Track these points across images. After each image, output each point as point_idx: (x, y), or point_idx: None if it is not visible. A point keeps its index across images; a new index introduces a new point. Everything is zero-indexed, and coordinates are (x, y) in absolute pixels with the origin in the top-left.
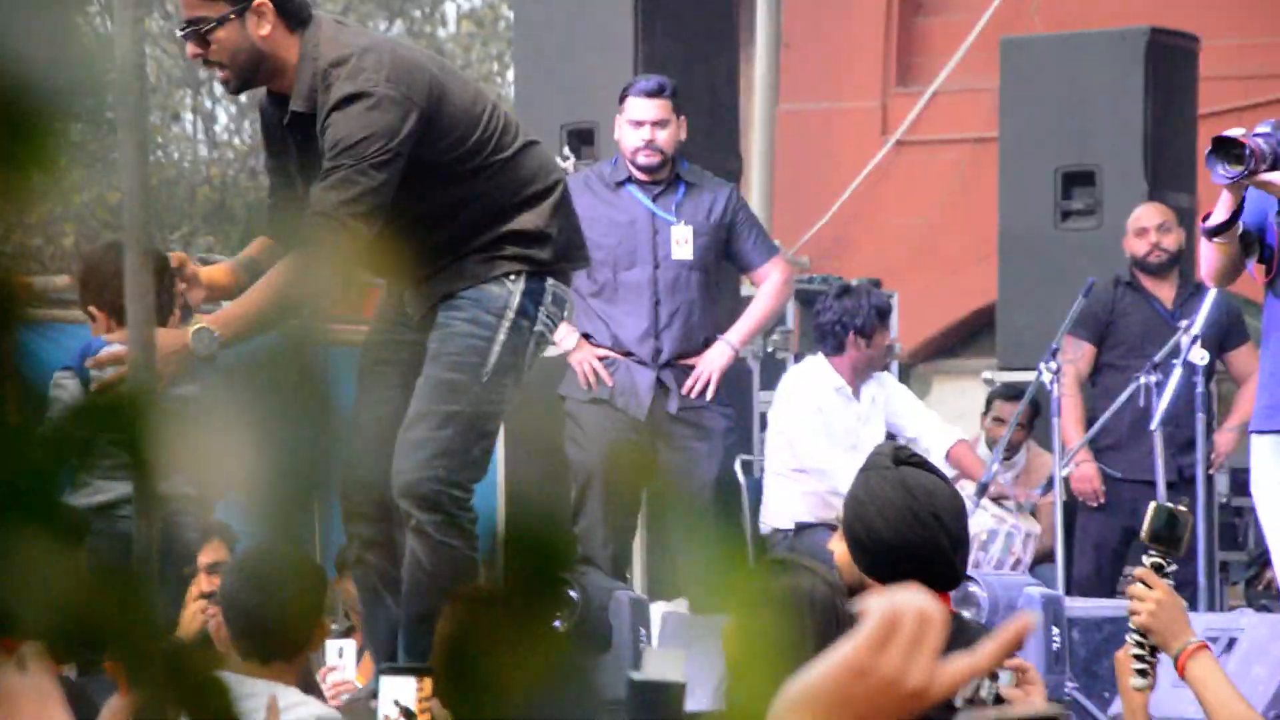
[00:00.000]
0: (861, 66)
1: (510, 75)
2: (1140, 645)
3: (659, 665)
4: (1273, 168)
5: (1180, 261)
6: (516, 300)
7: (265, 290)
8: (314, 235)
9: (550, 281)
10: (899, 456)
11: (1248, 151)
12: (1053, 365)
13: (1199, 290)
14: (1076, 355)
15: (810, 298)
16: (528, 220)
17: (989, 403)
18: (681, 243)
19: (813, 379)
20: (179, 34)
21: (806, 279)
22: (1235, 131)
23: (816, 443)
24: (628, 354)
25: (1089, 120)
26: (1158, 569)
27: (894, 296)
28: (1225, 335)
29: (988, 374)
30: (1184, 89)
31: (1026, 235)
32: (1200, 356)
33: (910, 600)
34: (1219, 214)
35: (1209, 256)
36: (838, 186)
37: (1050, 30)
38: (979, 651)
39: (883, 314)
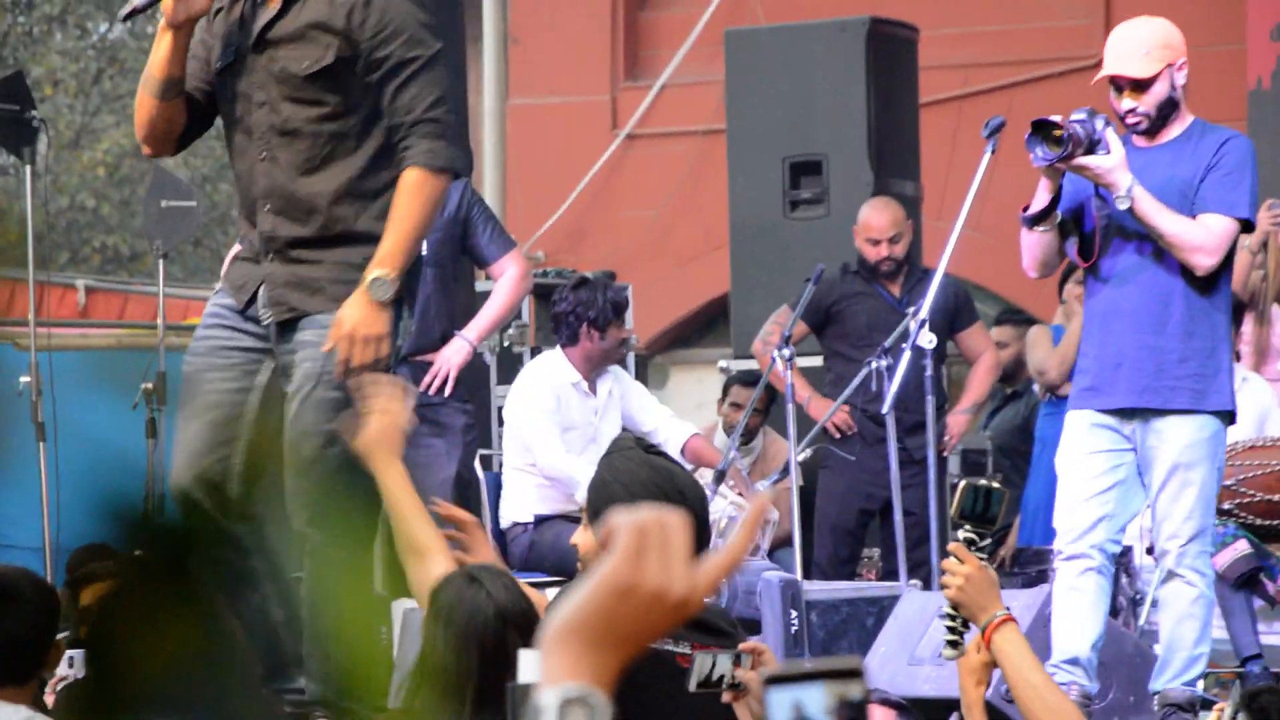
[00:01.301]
0: (590, 61)
1: None
2: (951, 618)
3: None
4: (1088, 152)
5: (905, 265)
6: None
7: (407, 216)
8: (421, 144)
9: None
10: (643, 444)
11: (1066, 135)
12: (785, 352)
13: (925, 276)
14: (785, 322)
15: (546, 291)
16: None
17: (726, 389)
18: None
19: (548, 373)
20: None
21: (542, 273)
22: (1053, 117)
23: (555, 449)
24: None
25: (814, 110)
26: (969, 544)
27: (629, 289)
28: (954, 317)
29: (723, 363)
30: (905, 78)
31: (757, 225)
32: (928, 340)
33: (649, 512)
34: (1039, 201)
35: (1030, 246)
36: (571, 180)
37: (773, 21)
38: (727, 545)
39: (618, 307)
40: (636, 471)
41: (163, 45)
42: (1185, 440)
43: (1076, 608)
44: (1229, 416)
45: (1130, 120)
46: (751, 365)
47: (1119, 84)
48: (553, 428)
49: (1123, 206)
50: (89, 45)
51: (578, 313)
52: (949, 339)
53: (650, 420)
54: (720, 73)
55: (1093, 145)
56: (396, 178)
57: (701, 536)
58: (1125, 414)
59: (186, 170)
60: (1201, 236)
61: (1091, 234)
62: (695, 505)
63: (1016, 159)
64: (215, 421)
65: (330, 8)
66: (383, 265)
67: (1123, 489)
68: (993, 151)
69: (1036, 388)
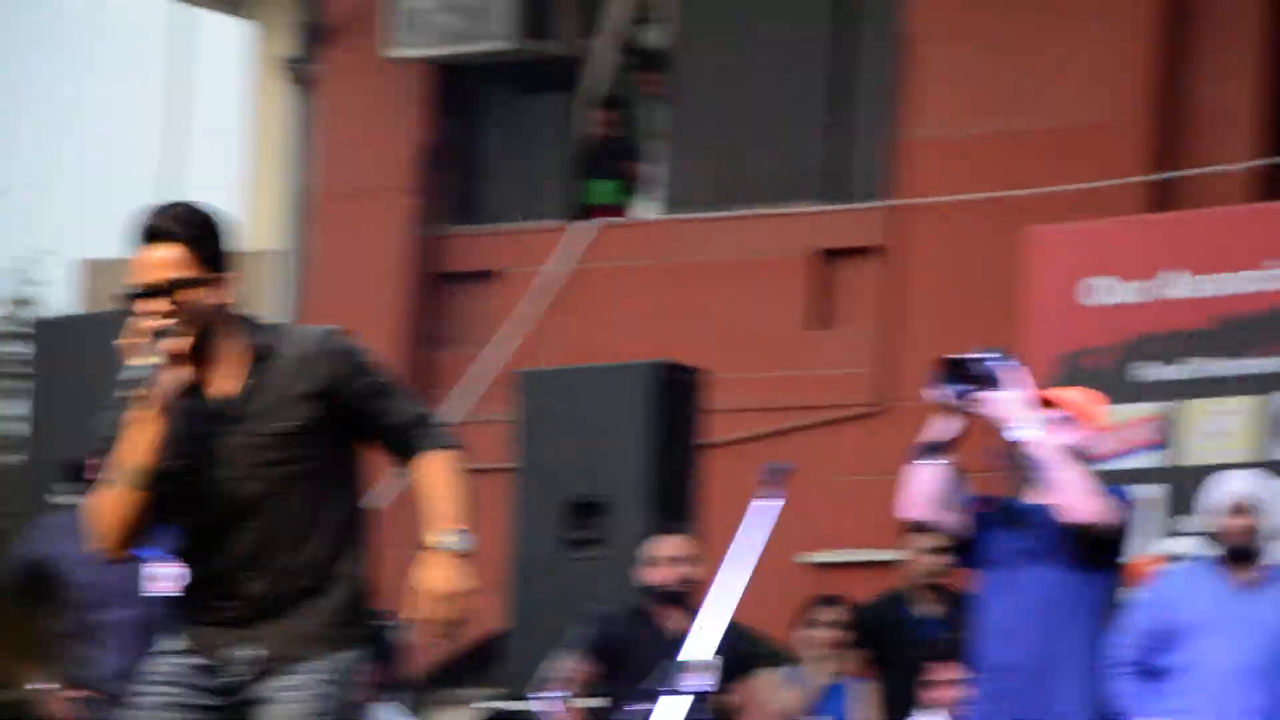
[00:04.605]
0: None
1: None
2: None
3: None
4: (990, 389)
5: (695, 593)
6: (355, 663)
7: (452, 483)
8: (431, 431)
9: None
10: None
11: (972, 374)
12: (558, 694)
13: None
14: (578, 670)
15: None
16: (362, 567)
17: None
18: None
19: None
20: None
21: None
22: (959, 355)
23: None
24: None
25: (598, 452)
26: None
27: (400, 625)
28: (738, 667)
29: (494, 703)
30: (688, 421)
31: (536, 564)
32: (705, 684)
33: None
34: (938, 434)
35: (918, 480)
36: None
37: (560, 363)
38: None
39: None
40: None
41: (143, 431)
42: None
43: None
44: None
45: None
46: (525, 707)
47: None
48: None
49: (1026, 439)
50: None
51: None
52: (729, 684)
53: None
54: (504, 412)
55: (994, 383)
56: (367, 532)
57: None
58: None
59: None
60: (1089, 488)
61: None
62: None
63: (791, 502)
64: None
65: (301, 373)
66: (451, 523)
67: None
68: (776, 497)
69: None
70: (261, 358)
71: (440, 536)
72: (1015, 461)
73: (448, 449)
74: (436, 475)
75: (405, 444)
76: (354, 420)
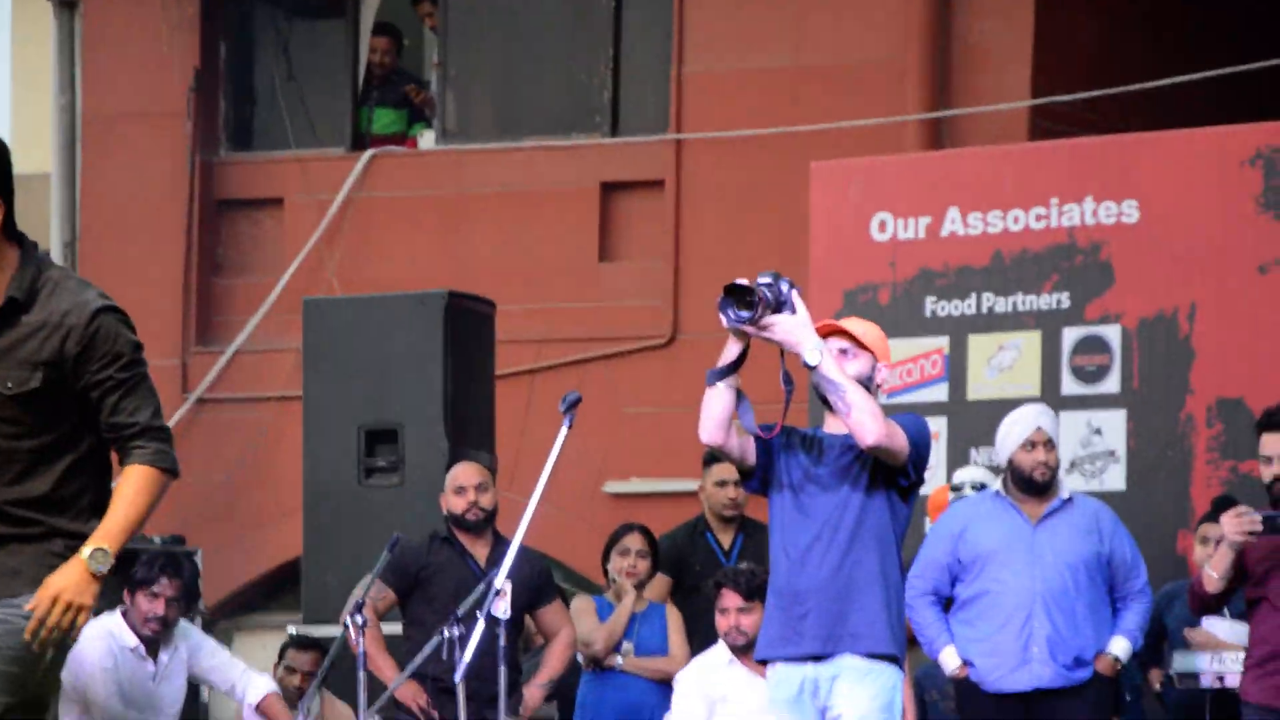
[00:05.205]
0: (160, 325)
1: None
2: None
3: None
4: (775, 312)
5: (493, 520)
6: None
7: (133, 503)
8: (150, 445)
9: None
10: None
11: (756, 299)
12: (358, 620)
13: (507, 546)
14: (377, 596)
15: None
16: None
17: (282, 652)
18: None
19: (103, 635)
20: None
21: None
22: (743, 281)
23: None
24: None
25: (391, 380)
26: None
27: (198, 553)
28: (536, 594)
29: (293, 628)
30: (481, 351)
31: (331, 491)
32: (503, 610)
33: None
34: (728, 355)
35: (710, 403)
36: None
37: (347, 292)
38: None
39: (134, 580)
40: None
41: None
42: None
43: None
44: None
45: None
46: (322, 632)
47: None
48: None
49: (814, 360)
50: None
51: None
52: (527, 614)
53: (226, 676)
54: (294, 340)
55: (779, 306)
56: (95, 483)
57: None
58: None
59: None
60: (878, 411)
61: (770, 474)
62: None
63: (587, 432)
64: None
65: (40, 340)
66: (103, 541)
67: None
68: (569, 426)
69: (581, 659)
70: (8, 311)
71: (87, 548)
72: (804, 386)
73: (152, 467)
74: (125, 490)
75: (120, 448)
76: (84, 401)
